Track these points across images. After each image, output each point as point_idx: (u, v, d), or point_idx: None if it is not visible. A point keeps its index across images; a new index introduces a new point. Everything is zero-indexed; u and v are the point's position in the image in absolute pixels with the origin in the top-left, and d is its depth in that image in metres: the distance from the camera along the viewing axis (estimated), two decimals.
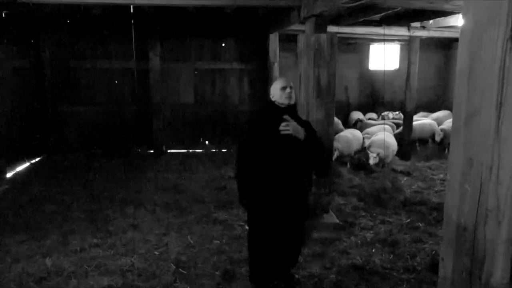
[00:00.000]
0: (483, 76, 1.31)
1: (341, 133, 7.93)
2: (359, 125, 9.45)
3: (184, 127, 8.90)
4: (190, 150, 8.81)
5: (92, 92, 8.57)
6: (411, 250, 4.19)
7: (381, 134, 7.39)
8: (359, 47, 11.03)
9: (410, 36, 7.64)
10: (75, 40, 8.33)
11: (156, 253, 4.12)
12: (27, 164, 7.52)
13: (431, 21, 6.92)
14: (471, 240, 1.40)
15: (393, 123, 9.61)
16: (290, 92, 3.09)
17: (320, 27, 4.47)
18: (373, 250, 4.17)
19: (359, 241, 4.38)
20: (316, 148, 3.18)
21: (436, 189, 6.29)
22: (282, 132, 2.93)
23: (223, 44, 8.78)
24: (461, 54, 1.40)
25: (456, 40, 9.00)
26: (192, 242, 4.38)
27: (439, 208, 5.29)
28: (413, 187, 6.42)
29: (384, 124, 9.07)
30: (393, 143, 7.55)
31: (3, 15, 6.43)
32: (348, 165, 7.41)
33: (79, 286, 3.51)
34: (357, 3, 3.74)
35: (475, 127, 1.35)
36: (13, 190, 6.10)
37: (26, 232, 4.55)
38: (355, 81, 11.42)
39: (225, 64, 8.83)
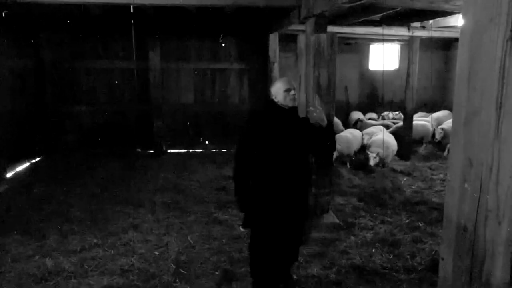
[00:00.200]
0: (483, 76, 1.31)
1: (341, 133, 7.93)
2: (359, 125, 9.45)
3: (184, 127, 8.90)
4: (190, 150, 8.82)
5: (92, 92, 8.57)
6: (411, 250, 4.19)
7: (381, 134, 7.39)
8: (359, 47, 11.04)
9: (410, 36, 7.63)
10: (75, 40, 8.33)
11: (156, 253, 4.12)
12: (27, 164, 7.51)
13: (431, 21, 6.92)
14: (471, 240, 1.40)
15: (393, 123, 9.61)
16: (294, 94, 3.10)
17: (320, 27, 4.47)
18: (373, 250, 4.17)
19: (359, 241, 4.38)
20: (327, 136, 3.22)
21: (436, 189, 6.29)
22: (311, 116, 3.08)
23: (223, 44, 8.78)
24: (461, 54, 1.40)
25: (456, 40, 9.00)
26: (192, 242, 4.38)
27: (439, 208, 5.29)
28: (413, 187, 6.42)
29: (382, 124, 9.09)
30: (393, 143, 7.55)
31: (3, 15, 6.43)
32: (348, 165, 7.42)
33: (79, 286, 3.51)
34: (357, 3, 3.75)
35: (475, 127, 1.35)
36: (13, 190, 6.10)
37: (26, 232, 4.55)
38: (355, 81, 11.41)
39: (225, 64, 8.83)
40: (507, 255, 1.36)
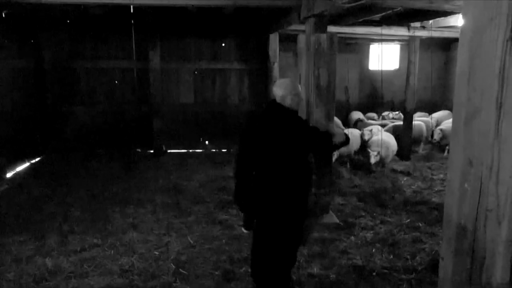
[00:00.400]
0: (483, 76, 1.31)
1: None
2: (359, 125, 9.45)
3: (184, 127, 8.90)
4: (190, 150, 8.82)
5: (92, 92, 8.58)
6: (411, 250, 4.19)
7: (380, 135, 7.39)
8: (359, 47, 11.03)
9: (410, 36, 7.63)
10: (75, 40, 8.33)
11: (156, 253, 4.12)
12: (27, 164, 7.52)
13: (431, 21, 6.92)
14: (471, 240, 1.39)
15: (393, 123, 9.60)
16: (301, 99, 3.21)
17: (320, 27, 4.47)
18: (373, 250, 4.17)
19: (359, 241, 4.38)
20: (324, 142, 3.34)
21: (436, 189, 6.29)
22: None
23: (223, 44, 8.78)
24: (461, 54, 1.40)
25: (456, 40, 9.00)
26: (192, 242, 4.38)
27: (439, 208, 5.29)
28: (413, 187, 6.42)
29: (381, 124, 9.08)
30: (393, 143, 7.55)
31: (3, 15, 6.43)
32: (348, 165, 7.42)
33: (79, 286, 3.51)
34: (357, 3, 3.75)
35: (475, 127, 1.35)
36: (13, 190, 6.10)
37: (26, 232, 4.55)
38: (355, 81, 11.41)
39: (225, 64, 8.83)
40: (507, 255, 1.36)
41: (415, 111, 8.60)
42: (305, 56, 4.75)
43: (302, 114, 4.21)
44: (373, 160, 6.87)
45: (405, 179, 6.81)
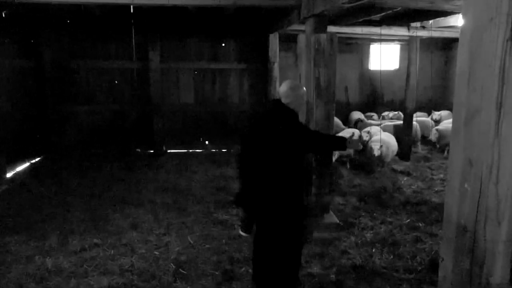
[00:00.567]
0: (483, 76, 1.31)
1: (340, 133, 7.92)
2: (359, 125, 9.44)
3: (184, 127, 8.90)
4: (190, 150, 8.81)
5: (92, 92, 8.57)
6: (411, 250, 4.19)
7: (382, 134, 7.38)
8: (359, 47, 11.03)
9: (410, 36, 7.63)
10: (75, 40, 8.33)
11: (156, 253, 4.12)
12: (27, 164, 7.52)
13: (431, 21, 6.91)
14: (471, 240, 1.40)
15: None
16: None
17: (320, 27, 4.47)
18: (373, 250, 4.17)
19: (359, 241, 4.38)
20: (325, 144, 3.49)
21: (436, 189, 6.29)
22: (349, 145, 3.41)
23: (223, 44, 8.78)
24: (461, 54, 1.40)
25: (456, 40, 8.99)
26: (192, 242, 4.38)
27: (439, 208, 5.29)
28: (413, 187, 6.42)
29: (380, 124, 9.06)
30: (393, 143, 7.54)
31: (3, 15, 6.43)
32: (348, 165, 7.41)
33: (79, 286, 3.51)
34: (357, 3, 3.74)
35: (475, 127, 1.35)
36: (13, 190, 6.10)
37: (26, 232, 4.55)
38: (355, 81, 11.41)
39: (225, 64, 8.83)
40: (507, 255, 1.36)
41: (415, 111, 8.59)
42: (305, 56, 4.74)
43: (303, 114, 4.22)
44: (376, 152, 6.74)
45: (405, 179, 6.81)
